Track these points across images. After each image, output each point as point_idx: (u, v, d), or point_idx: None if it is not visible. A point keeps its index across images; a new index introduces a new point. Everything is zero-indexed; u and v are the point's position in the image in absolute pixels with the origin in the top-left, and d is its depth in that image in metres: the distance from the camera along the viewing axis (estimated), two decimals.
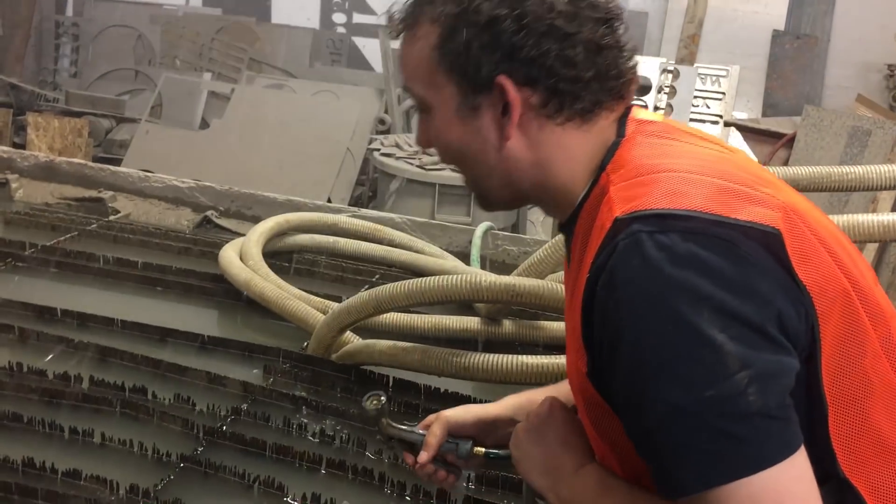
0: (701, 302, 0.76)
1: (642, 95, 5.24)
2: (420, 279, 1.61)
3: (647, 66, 5.29)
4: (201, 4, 6.58)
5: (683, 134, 0.96)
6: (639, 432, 0.81)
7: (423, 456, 1.12)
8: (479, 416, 1.15)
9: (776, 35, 5.57)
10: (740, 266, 0.78)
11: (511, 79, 0.90)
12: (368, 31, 6.27)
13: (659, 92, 5.19)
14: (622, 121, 0.95)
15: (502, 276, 1.62)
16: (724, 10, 5.05)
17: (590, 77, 0.90)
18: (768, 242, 0.80)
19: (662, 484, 0.80)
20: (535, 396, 1.13)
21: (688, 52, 5.15)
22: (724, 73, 5.20)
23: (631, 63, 0.94)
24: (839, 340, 0.82)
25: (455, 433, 1.14)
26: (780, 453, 0.75)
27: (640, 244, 0.80)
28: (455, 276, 1.59)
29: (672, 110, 5.07)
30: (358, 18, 6.41)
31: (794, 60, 5.56)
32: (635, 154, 0.91)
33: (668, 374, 0.77)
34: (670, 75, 5.20)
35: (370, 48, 6.27)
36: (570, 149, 0.93)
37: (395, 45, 6.07)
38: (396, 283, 1.63)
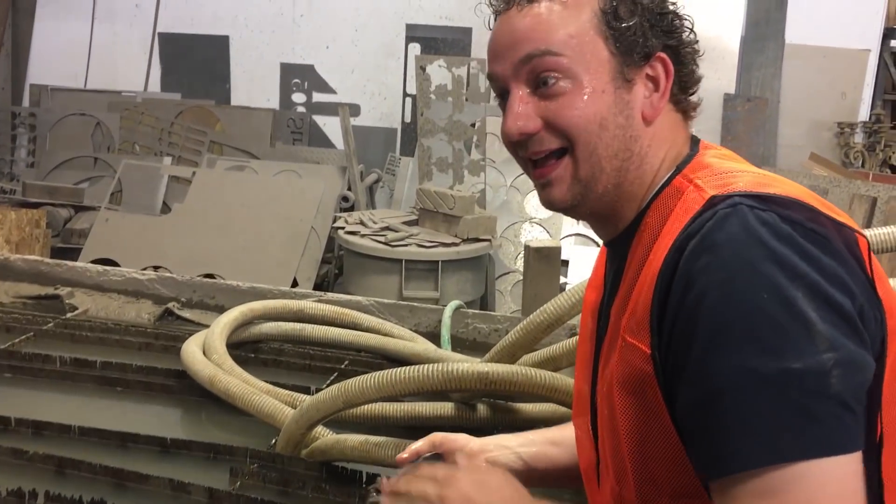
0: (798, 278, 0.76)
1: None
2: (390, 371, 1.55)
3: None
4: (160, 90, 6.59)
5: (747, 163, 0.99)
6: (700, 399, 0.77)
7: (400, 455, 1.19)
8: (465, 443, 1.19)
9: (727, 98, 5.71)
10: (834, 258, 0.79)
11: (669, 56, 0.95)
12: (329, 109, 6.31)
13: None
14: (693, 137, 1.01)
15: (475, 364, 1.58)
16: None
17: (699, 74, 0.99)
18: (856, 246, 0.82)
19: (715, 457, 0.76)
20: (531, 437, 1.18)
21: None
22: None
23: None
24: None
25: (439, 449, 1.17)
26: (851, 444, 0.73)
27: (741, 213, 0.81)
28: (426, 367, 1.54)
29: None
30: (317, 97, 6.46)
31: (746, 122, 5.69)
32: (714, 162, 0.95)
33: (754, 339, 0.75)
34: None
35: (331, 126, 6.31)
36: (670, 135, 0.98)
37: (355, 122, 6.13)
38: (365, 376, 1.57)
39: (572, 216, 1.02)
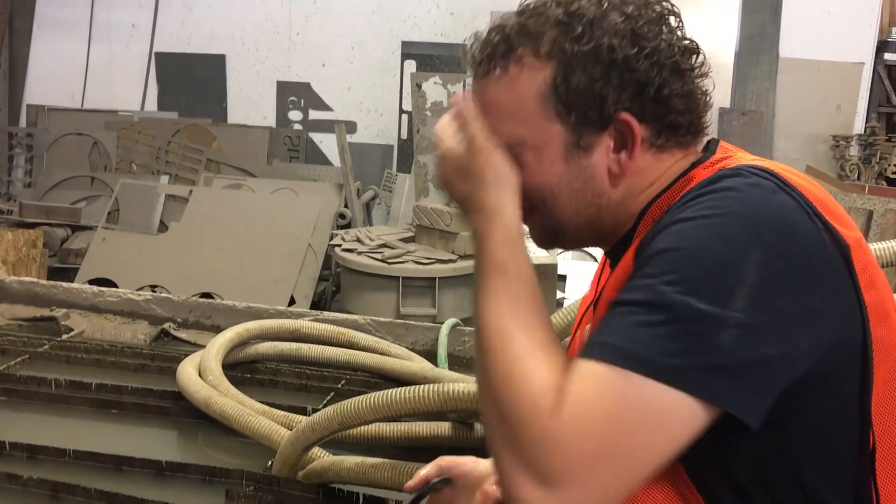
0: (761, 243, 0.75)
1: None
2: (385, 392, 1.55)
3: None
4: (156, 109, 6.60)
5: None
6: (620, 301, 0.80)
7: (408, 483, 1.18)
8: (473, 466, 1.17)
9: (723, 112, 5.72)
10: (812, 245, 0.78)
11: (632, 116, 0.90)
12: (325, 126, 6.32)
13: None
14: (709, 144, 0.99)
15: (472, 384, 1.57)
16: None
17: (699, 108, 0.95)
18: (846, 249, 0.81)
19: (585, 348, 0.78)
20: None
21: None
22: None
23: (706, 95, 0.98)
24: (892, 377, 0.82)
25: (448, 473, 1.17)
26: (700, 391, 0.73)
27: (740, 175, 0.82)
28: (423, 388, 1.54)
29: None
30: (314, 115, 6.47)
31: (742, 136, 5.70)
32: (731, 155, 0.94)
33: (681, 270, 0.76)
34: None
35: (327, 143, 6.32)
36: (657, 171, 0.94)
37: (352, 139, 6.14)
38: (361, 397, 1.57)
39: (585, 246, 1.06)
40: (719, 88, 5.82)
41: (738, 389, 0.73)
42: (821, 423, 0.80)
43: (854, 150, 5.73)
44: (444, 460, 1.22)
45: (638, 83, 0.89)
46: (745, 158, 0.92)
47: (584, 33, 0.89)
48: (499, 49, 0.93)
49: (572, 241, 1.00)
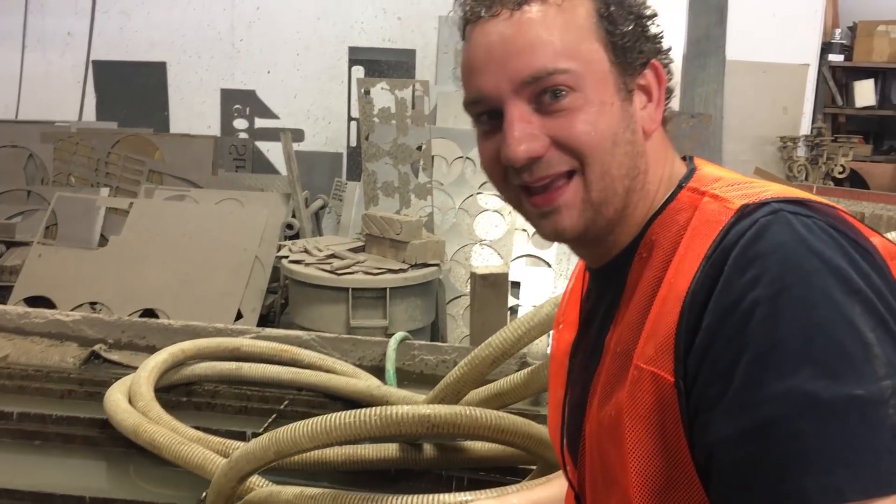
0: (854, 293, 0.69)
1: None
2: (324, 418, 1.44)
3: None
4: (95, 119, 6.39)
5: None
6: (747, 429, 0.68)
7: None
8: None
9: (672, 115, 5.73)
10: (879, 274, 0.72)
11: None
12: (272, 134, 6.18)
13: None
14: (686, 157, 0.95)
15: (416, 407, 1.48)
16: None
17: (673, 84, 0.94)
18: (882, 258, 0.76)
19: (766, 497, 0.66)
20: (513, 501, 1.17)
21: None
22: None
23: None
24: None
25: None
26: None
27: (785, 220, 0.74)
28: (363, 412, 1.44)
29: None
30: (260, 123, 6.33)
31: (691, 138, 5.70)
32: (724, 174, 0.89)
33: (812, 360, 0.66)
34: None
35: (275, 151, 6.18)
36: (663, 150, 0.91)
37: (300, 147, 6.02)
38: (298, 423, 1.46)
39: (571, 244, 0.93)
40: None
41: None
42: None
43: (801, 151, 5.78)
44: None
45: (655, 37, 0.91)
46: (741, 179, 0.86)
47: None
48: None
49: (606, 220, 0.88)
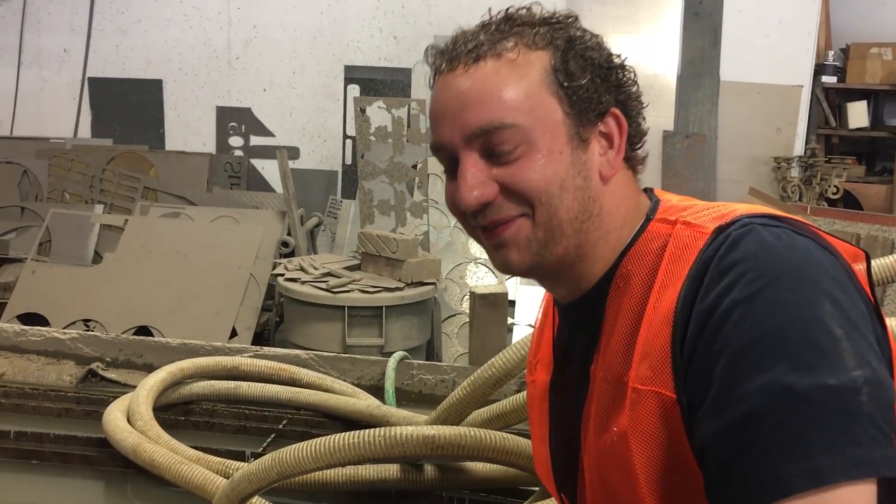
0: (822, 293, 0.73)
1: None
2: (328, 438, 1.43)
3: None
4: (90, 135, 6.38)
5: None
6: (730, 425, 0.72)
7: None
8: None
9: (667, 135, 5.75)
10: (846, 276, 0.77)
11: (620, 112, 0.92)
12: (267, 152, 6.18)
13: None
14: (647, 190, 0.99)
15: (420, 428, 1.47)
16: None
17: (645, 127, 0.96)
18: (851, 268, 0.80)
19: (752, 486, 0.69)
20: None
21: None
22: None
23: None
24: None
25: None
26: (885, 467, 0.67)
27: (756, 231, 0.79)
28: (368, 433, 1.43)
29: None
30: (255, 141, 6.33)
31: (686, 158, 5.74)
32: (689, 203, 0.92)
33: (786, 356, 0.71)
34: None
35: (270, 169, 6.17)
36: (627, 190, 0.94)
37: (295, 165, 6.01)
38: (301, 444, 1.45)
39: (529, 277, 0.96)
40: (663, 112, 5.87)
41: (891, 441, 0.70)
42: None
43: (795, 172, 5.81)
44: None
45: (618, 84, 0.93)
46: (708, 205, 0.90)
47: (569, 30, 0.91)
48: (492, 38, 0.90)
49: (557, 257, 0.92)
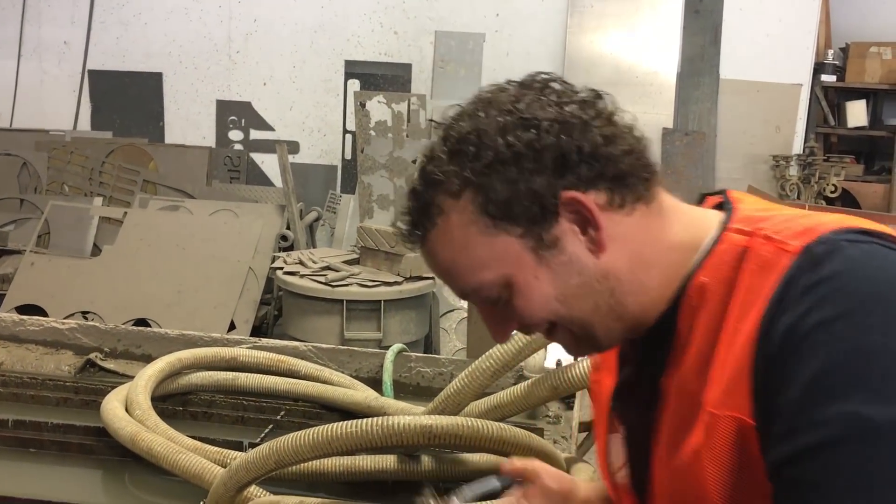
0: None
1: None
2: (326, 427, 1.44)
3: None
4: (90, 128, 6.38)
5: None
6: (801, 452, 0.69)
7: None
8: (570, 484, 1.13)
9: (666, 133, 5.76)
10: None
11: (575, 189, 0.84)
12: (267, 146, 6.19)
13: None
14: (725, 199, 0.92)
15: (418, 417, 1.48)
16: None
17: (629, 154, 0.87)
18: None
19: None
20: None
21: None
22: None
23: (640, 133, 0.91)
24: None
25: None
26: None
27: (843, 248, 0.74)
28: (365, 422, 1.44)
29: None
30: (255, 135, 6.33)
31: (685, 156, 5.74)
32: (768, 212, 0.86)
33: (867, 384, 0.67)
34: None
35: (269, 163, 6.18)
36: (655, 231, 0.88)
37: (295, 159, 6.02)
38: (299, 433, 1.45)
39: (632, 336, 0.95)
40: (662, 109, 5.89)
41: None
42: None
43: (794, 170, 5.82)
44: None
45: (556, 159, 0.84)
46: (788, 216, 0.84)
47: (476, 149, 0.85)
48: (419, 211, 0.90)
49: (606, 339, 0.92)
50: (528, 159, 0.84)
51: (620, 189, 0.86)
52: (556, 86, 0.89)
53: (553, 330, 0.92)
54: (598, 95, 0.90)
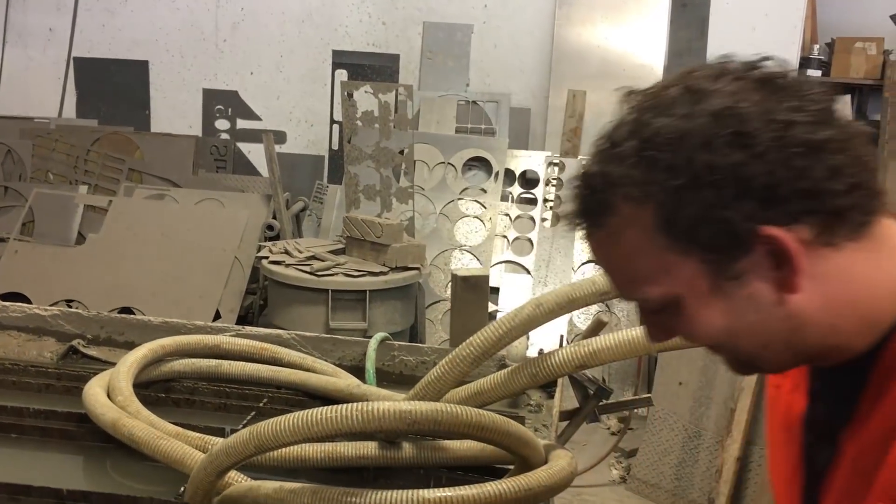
0: None
1: (531, 188, 5.30)
2: (305, 413, 1.45)
3: (533, 160, 5.37)
4: (75, 116, 6.34)
5: None
6: None
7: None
8: None
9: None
10: None
11: (776, 224, 0.73)
12: (253, 136, 6.17)
13: (546, 185, 5.26)
14: None
15: (397, 403, 1.49)
16: (600, 105, 5.22)
17: (855, 189, 0.74)
18: None
19: None
20: None
21: (571, 146, 5.26)
22: None
23: (870, 155, 0.79)
24: None
25: None
26: None
27: None
28: (345, 407, 1.44)
29: (560, 202, 5.13)
30: (242, 124, 6.31)
31: None
32: None
33: None
34: (556, 168, 5.29)
35: (256, 153, 6.16)
36: (861, 270, 0.77)
37: (282, 149, 6.00)
38: (279, 418, 1.46)
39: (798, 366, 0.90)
40: None
41: None
42: None
43: None
44: None
45: (764, 189, 0.72)
46: None
47: (672, 160, 0.74)
48: (589, 204, 0.81)
49: (774, 369, 0.87)
50: (731, 185, 0.73)
51: (833, 225, 0.75)
52: (789, 84, 0.77)
53: (716, 351, 0.86)
54: (833, 100, 0.77)
